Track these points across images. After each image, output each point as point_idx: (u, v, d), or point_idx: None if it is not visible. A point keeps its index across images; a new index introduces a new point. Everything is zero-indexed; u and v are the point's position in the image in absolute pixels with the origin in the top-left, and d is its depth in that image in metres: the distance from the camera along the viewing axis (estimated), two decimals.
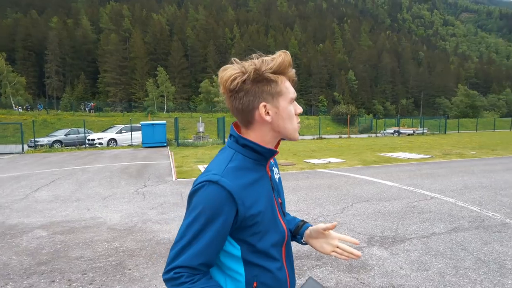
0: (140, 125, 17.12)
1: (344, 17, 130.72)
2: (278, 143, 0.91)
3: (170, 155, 12.30)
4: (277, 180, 0.96)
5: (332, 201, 5.22)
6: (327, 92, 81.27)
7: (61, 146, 17.47)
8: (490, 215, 4.42)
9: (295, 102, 0.86)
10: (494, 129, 33.50)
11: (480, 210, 4.65)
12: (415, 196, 5.46)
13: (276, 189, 0.92)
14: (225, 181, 0.77)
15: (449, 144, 15.80)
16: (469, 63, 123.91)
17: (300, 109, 0.86)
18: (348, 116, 26.59)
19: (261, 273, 0.85)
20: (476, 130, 31.91)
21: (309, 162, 9.68)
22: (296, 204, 5.05)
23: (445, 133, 26.51)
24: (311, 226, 0.99)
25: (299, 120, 0.87)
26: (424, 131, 25.11)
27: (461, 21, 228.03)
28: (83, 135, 18.08)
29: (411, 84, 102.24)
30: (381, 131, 25.00)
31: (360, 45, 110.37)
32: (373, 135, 24.57)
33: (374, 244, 3.46)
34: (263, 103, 0.81)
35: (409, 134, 23.72)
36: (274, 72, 0.80)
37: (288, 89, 0.83)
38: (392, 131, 24.51)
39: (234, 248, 0.83)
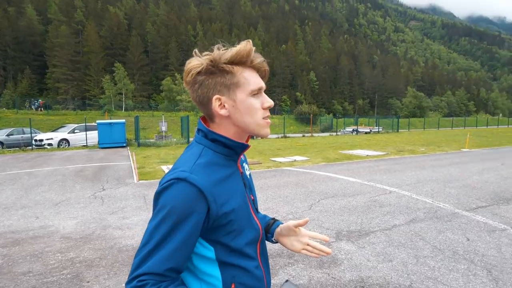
0: (96, 124, 15.96)
1: (305, 20, 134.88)
2: (248, 138, 0.87)
3: (130, 156, 11.64)
4: (248, 176, 0.93)
5: (299, 199, 5.30)
6: (290, 92, 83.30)
7: (2, 148, 15.67)
8: (441, 206, 4.81)
9: (263, 95, 0.80)
10: (438, 128, 36.98)
11: (432, 201, 5.04)
12: (376, 191, 5.76)
13: (248, 185, 0.89)
14: (194, 178, 0.72)
15: (402, 142, 17.06)
16: (417, 67, 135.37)
17: (269, 102, 0.79)
18: (311, 115, 27.47)
19: (238, 273, 0.81)
20: (424, 128, 34.98)
21: (275, 161, 9.78)
22: (265, 203, 5.04)
23: (398, 131, 28.63)
24: (282, 224, 0.96)
25: (268, 114, 0.80)
26: (380, 129, 26.88)
27: (409, 29, 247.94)
28: (29, 135, 16.37)
29: (367, 86, 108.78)
30: (341, 130, 26.25)
31: (321, 47, 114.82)
32: (334, 133, 25.69)
33: (342, 239, 3.56)
34: (216, 96, 0.77)
35: (366, 133, 25.20)
36: (231, 63, 0.75)
37: (248, 80, 0.76)
38: (351, 129, 25.86)
39: (207, 250, 0.79)
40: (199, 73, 0.76)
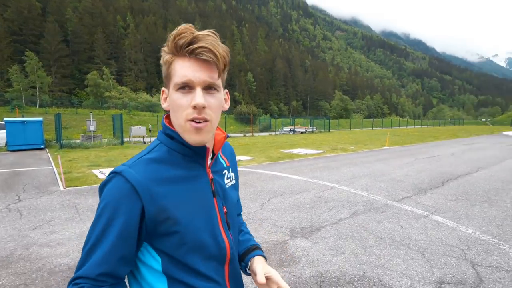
0: (3, 122, 13.43)
1: (242, 21, 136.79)
2: (220, 140, 0.79)
3: (51, 159, 10.10)
4: (227, 185, 0.82)
5: (250, 198, 5.29)
6: (229, 92, 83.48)
7: None
8: (376, 198, 5.35)
9: (196, 91, 0.65)
10: (362, 128, 41.57)
11: (368, 195, 5.57)
12: (319, 187, 6.12)
13: (220, 195, 0.78)
14: (129, 172, 0.65)
15: (334, 141, 18.61)
16: (342, 73, 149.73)
17: (194, 101, 0.64)
18: (251, 115, 28.00)
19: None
20: (350, 128, 38.89)
21: None
22: None
23: (329, 131, 31.22)
24: (262, 255, 0.85)
25: (196, 116, 0.65)
26: (314, 129, 28.91)
27: (336, 38, 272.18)
28: None
29: (300, 88, 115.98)
30: (279, 130, 27.41)
31: (257, 49, 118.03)
32: (273, 133, 26.68)
33: (296, 236, 3.66)
34: (162, 88, 0.74)
35: (302, 132, 26.82)
36: (171, 53, 0.67)
37: (176, 71, 0.66)
38: (288, 129, 27.21)
39: (153, 260, 0.70)
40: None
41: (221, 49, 0.66)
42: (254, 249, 0.88)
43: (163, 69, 0.70)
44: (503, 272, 2.78)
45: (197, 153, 0.72)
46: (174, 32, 0.65)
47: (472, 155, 11.35)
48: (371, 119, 54.28)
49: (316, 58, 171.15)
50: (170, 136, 0.72)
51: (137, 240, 0.67)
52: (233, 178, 0.88)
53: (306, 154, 11.49)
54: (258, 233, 3.71)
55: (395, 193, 5.72)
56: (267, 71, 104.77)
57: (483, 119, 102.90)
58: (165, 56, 0.69)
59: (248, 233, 0.96)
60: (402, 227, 3.95)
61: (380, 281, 2.65)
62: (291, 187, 6.11)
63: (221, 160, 0.85)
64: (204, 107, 0.65)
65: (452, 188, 6.05)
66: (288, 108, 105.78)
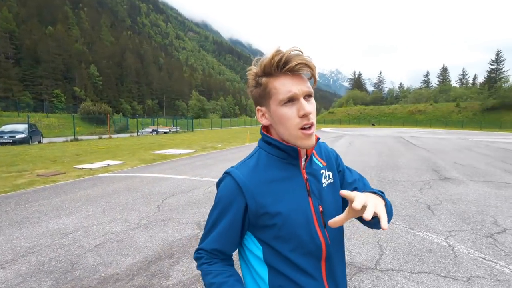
0: None
1: (79, 3, 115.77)
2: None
3: None
4: (324, 185, 0.87)
5: (141, 203, 5.09)
6: (65, 86, 69.31)
7: None
8: None
9: (300, 101, 0.74)
10: (221, 127, 44.57)
11: None
12: (206, 184, 6.54)
13: (316, 194, 0.84)
14: (236, 173, 0.80)
15: (201, 140, 19.33)
16: (197, 74, 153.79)
17: (304, 110, 0.73)
18: (107, 115, 24.58)
19: (287, 285, 0.80)
20: (211, 128, 40.94)
21: (83, 168, 8.31)
22: (105, 215, 4.44)
23: (193, 130, 31.79)
24: (377, 192, 0.80)
25: (306, 123, 0.75)
26: (178, 129, 28.67)
27: (189, 39, 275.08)
28: None
29: (155, 87, 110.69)
30: (140, 131, 25.54)
31: (102, 39, 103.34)
32: (133, 134, 24.56)
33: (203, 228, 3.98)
34: (257, 107, 0.83)
35: (165, 133, 26.07)
36: (264, 75, 0.77)
37: (277, 89, 0.75)
38: (151, 130, 25.77)
39: (256, 248, 0.82)
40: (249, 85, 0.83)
41: (311, 62, 0.75)
42: (370, 191, 0.80)
43: (256, 90, 0.80)
44: (348, 223, 4.15)
45: (291, 156, 0.81)
46: (266, 57, 0.75)
47: None
48: (229, 119, 58.98)
49: (170, 57, 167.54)
50: (268, 142, 0.83)
51: (242, 228, 0.81)
52: (331, 177, 0.91)
53: (180, 154, 11.57)
54: (167, 233, 3.77)
55: None
56: (115, 65, 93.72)
57: None
58: (259, 79, 0.79)
59: (376, 191, 0.84)
60: None
61: None
62: (179, 187, 6.22)
63: (316, 161, 0.89)
64: (310, 113, 0.76)
65: None
66: (143, 107, 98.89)
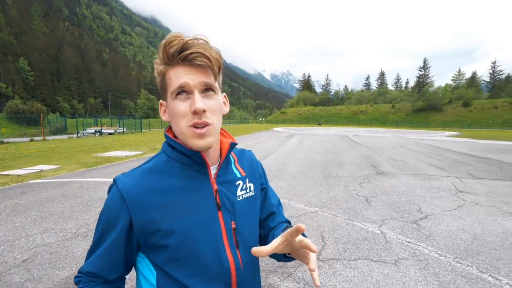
0: None
1: None
2: (226, 148, 0.75)
3: None
4: (239, 198, 0.76)
5: (81, 210, 4.70)
6: None
7: None
8: None
9: (195, 95, 0.63)
10: None
11: None
12: None
13: (228, 208, 0.72)
14: (122, 181, 0.66)
15: (150, 141, 18.43)
16: (146, 72, 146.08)
17: (194, 105, 0.62)
18: (41, 114, 21.92)
19: None
20: (162, 128, 39.23)
21: (9, 175, 7.35)
22: (36, 225, 4.01)
23: (141, 131, 30.10)
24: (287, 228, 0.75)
25: (197, 121, 0.63)
26: (124, 130, 26.87)
27: (136, 34, 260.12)
28: None
29: (98, 84, 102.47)
30: (81, 132, 23.35)
31: (33, 29, 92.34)
32: (73, 135, 22.33)
33: None
34: (160, 101, 0.73)
35: (110, 134, 24.25)
36: (163, 63, 0.66)
37: (171, 80, 0.64)
38: (94, 131, 23.75)
39: (150, 273, 0.69)
40: None
41: (214, 52, 0.64)
42: (286, 227, 0.77)
43: (158, 81, 0.68)
44: (294, 218, 4.36)
45: (196, 162, 0.69)
46: (163, 42, 0.64)
47: (261, 146, 15.07)
48: None
49: (115, 52, 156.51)
50: (169, 144, 0.70)
51: (126, 250, 0.67)
52: (252, 189, 0.80)
53: (126, 156, 10.91)
54: None
55: None
56: (50, 59, 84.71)
57: (260, 119, 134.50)
58: (158, 67, 0.67)
59: (285, 221, 0.86)
60: None
61: None
62: None
63: (234, 169, 0.79)
64: (204, 111, 0.63)
65: None
66: (84, 106, 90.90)
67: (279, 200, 0.93)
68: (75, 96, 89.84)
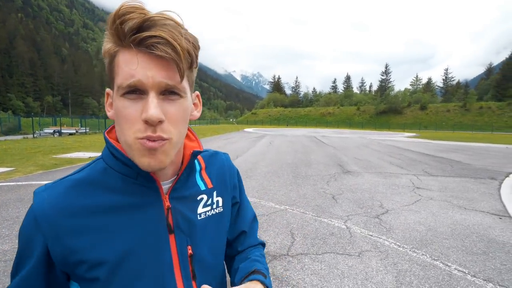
0: None
1: None
2: (188, 157, 0.59)
3: None
4: (200, 216, 0.60)
5: None
6: None
7: None
8: None
9: (149, 97, 0.46)
10: None
11: None
12: None
13: (184, 230, 0.57)
14: (40, 197, 0.51)
15: None
16: None
17: (147, 112, 0.45)
18: None
19: None
20: None
21: None
22: None
23: None
24: (260, 280, 0.61)
25: (148, 134, 0.46)
26: (87, 130, 25.38)
27: (99, 29, 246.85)
28: None
29: (57, 81, 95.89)
30: (38, 132, 21.64)
31: None
32: (29, 136, 20.64)
33: None
34: (107, 89, 0.55)
35: (71, 134, 22.78)
36: (114, 42, 0.47)
37: (120, 69, 0.47)
38: (52, 131, 22.13)
39: None
40: None
41: (185, 40, 0.46)
42: (252, 272, 0.64)
43: (106, 62, 0.50)
44: (265, 216, 4.45)
45: (142, 175, 0.53)
46: (114, 11, 0.45)
47: (231, 147, 15.07)
48: None
49: (76, 48, 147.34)
50: (109, 149, 0.54)
51: (47, 283, 0.53)
52: (220, 204, 0.64)
53: (90, 157, 10.34)
54: None
55: None
56: (0, 53, 77.62)
57: (231, 120, 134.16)
58: (106, 44, 0.48)
59: (256, 259, 0.70)
60: None
61: None
62: None
63: (199, 180, 0.63)
64: (160, 121, 0.46)
65: None
66: (41, 104, 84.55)
67: (254, 216, 0.79)
68: (30, 93, 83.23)
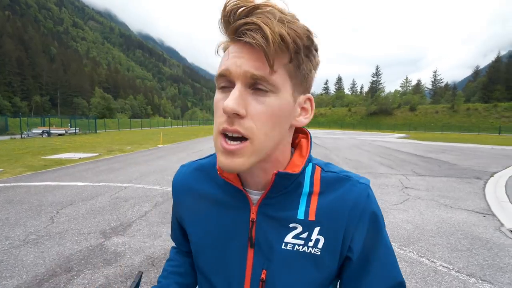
0: None
1: None
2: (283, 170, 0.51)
3: None
4: (287, 246, 0.52)
5: (29, 216, 4.36)
6: None
7: None
8: (169, 189, 6.16)
9: (235, 87, 0.44)
10: (130, 128, 40.96)
11: (161, 188, 6.27)
12: (112, 189, 6.03)
13: (264, 250, 0.52)
14: (180, 171, 0.65)
15: (107, 142, 17.42)
16: (101, 69, 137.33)
17: (225, 104, 0.42)
18: None
19: None
20: (119, 129, 37.13)
21: None
22: None
23: (96, 132, 28.24)
24: None
25: (224, 126, 0.44)
26: (76, 131, 24.98)
27: (90, 28, 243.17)
28: None
29: (45, 80, 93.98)
30: (26, 132, 21.19)
31: None
32: (16, 136, 20.21)
33: (110, 236, 3.70)
34: None
35: (60, 134, 22.39)
36: (226, 36, 0.46)
37: (222, 61, 0.47)
38: (41, 131, 21.70)
39: None
40: None
41: (280, 25, 0.41)
42: None
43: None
44: None
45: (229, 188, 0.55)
46: (222, 10, 0.44)
47: None
48: (139, 120, 54.57)
49: (65, 47, 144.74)
50: None
51: (180, 230, 0.67)
52: (318, 245, 0.51)
53: (80, 158, 10.23)
54: (64, 246, 3.37)
55: None
56: None
57: None
58: (221, 42, 0.49)
59: None
60: None
61: None
62: (79, 195, 5.56)
63: (301, 206, 0.52)
64: (238, 115, 0.43)
65: None
66: (29, 104, 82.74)
67: (399, 284, 0.54)
68: (18, 93, 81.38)
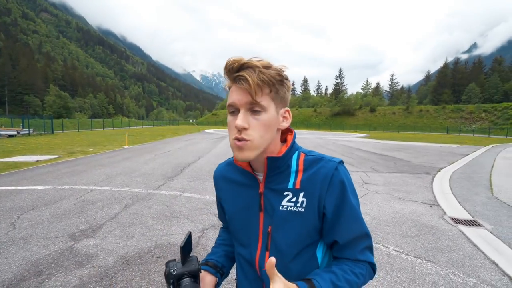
0: None
1: None
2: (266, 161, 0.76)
3: None
4: (282, 208, 0.76)
5: None
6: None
7: None
8: (138, 190, 6.08)
9: (240, 112, 0.70)
10: (91, 129, 38.60)
11: (130, 189, 6.15)
12: (77, 192, 5.82)
13: (269, 212, 0.77)
14: (219, 165, 0.96)
15: (66, 144, 16.36)
16: (56, 65, 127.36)
17: (236, 123, 0.69)
18: None
19: (238, 267, 0.91)
20: (78, 129, 34.82)
21: None
22: None
23: (53, 133, 26.27)
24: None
25: (236, 135, 0.70)
26: (30, 131, 23.05)
27: (42, 20, 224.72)
28: None
29: None
30: None
31: None
32: None
33: (80, 239, 3.65)
34: None
35: (11, 136, 20.54)
36: (228, 81, 0.74)
37: (229, 96, 0.73)
38: None
39: None
40: None
41: (258, 76, 0.68)
42: (305, 279, 0.70)
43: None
44: None
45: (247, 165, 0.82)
46: (225, 62, 0.71)
47: (193, 148, 14.95)
48: (101, 119, 51.62)
49: (13, 40, 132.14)
50: None
51: (223, 210, 0.93)
52: (303, 205, 0.74)
53: (38, 161, 9.59)
54: (30, 251, 3.27)
55: (151, 183, 6.75)
56: None
57: (191, 120, 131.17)
58: (226, 84, 0.76)
59: (334, 270, 0.73)
60: (168, 206, 5.04)
61: (169, 242, 3.57)
62: (41, 199, 5.30)
63: (291, 179, 0.77)
64: (244, 128, 0.69)
65: (188, 173, 8.07)
66: None
67: (363, 235, 0.76)
68: None
